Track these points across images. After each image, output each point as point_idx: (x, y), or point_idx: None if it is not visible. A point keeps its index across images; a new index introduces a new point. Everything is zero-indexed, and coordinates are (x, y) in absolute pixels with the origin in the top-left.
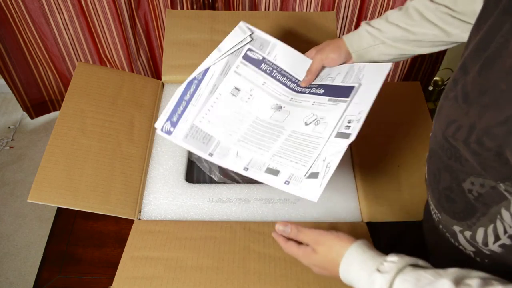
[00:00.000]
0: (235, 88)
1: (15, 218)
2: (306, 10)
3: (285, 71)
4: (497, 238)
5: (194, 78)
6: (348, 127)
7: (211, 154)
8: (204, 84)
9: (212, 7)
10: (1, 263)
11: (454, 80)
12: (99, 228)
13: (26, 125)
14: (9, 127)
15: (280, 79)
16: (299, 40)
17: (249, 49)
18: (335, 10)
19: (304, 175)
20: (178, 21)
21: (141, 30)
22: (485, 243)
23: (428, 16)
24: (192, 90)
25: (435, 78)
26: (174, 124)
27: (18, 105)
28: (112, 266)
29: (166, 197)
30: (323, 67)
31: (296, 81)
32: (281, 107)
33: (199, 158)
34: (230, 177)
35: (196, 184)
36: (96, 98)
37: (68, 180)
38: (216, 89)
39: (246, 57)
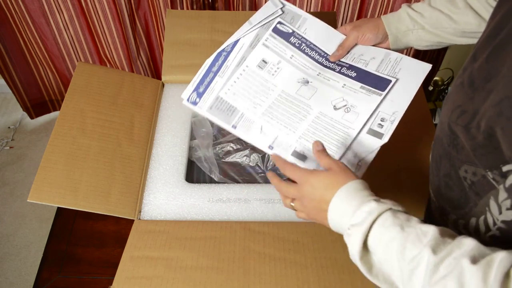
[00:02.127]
0: (263, 60)
1: (15, 218)
2: (306, 10)
3: (314, 45)
4: (487, 229)
5: (223, 50)
6: (381, 125)
7: (234, 127)
8: (232, 56)
9: (212, 7)
10: (1, 263)
11: (463, 68)
12: (99, 228)
13: (26, 125)
14: (9, 127)
15: (308, 52)
16: None
17: (279, 22)
18: (335, 10)
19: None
20: (178, 21)
21: (141, 30)
22: (477, 233)
23: (473, 5)
24: (220, 61)
25: (435, 78)
26: (200, 95)
27: (18, 105)
28: (112, 266)
29: (166, 197)
30: (356, 45)
31: (326, 55)
32: (308, 82)
33: (199, 158)
34: (230, 177)
35: (196, 184)
36: (96, 98)
37: (68, 180)
38: (244, 61)
39: (275, 30)
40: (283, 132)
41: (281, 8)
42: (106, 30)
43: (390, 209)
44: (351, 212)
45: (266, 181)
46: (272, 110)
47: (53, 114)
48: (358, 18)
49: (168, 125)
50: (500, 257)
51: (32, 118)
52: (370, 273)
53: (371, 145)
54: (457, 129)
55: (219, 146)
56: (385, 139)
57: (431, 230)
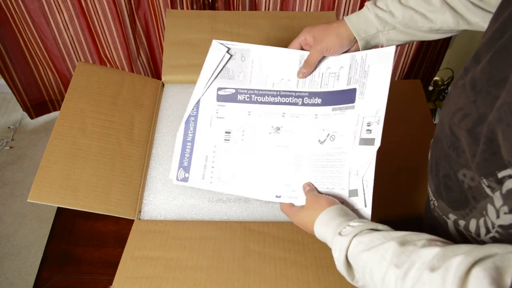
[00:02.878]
0: (226, 132)
1: (15, 218)
2: (306, 10)
3: (262, 90)
4: (488, 230)
5: (190, 116)
6: (369, 131)
7: (236, 189)
8: (201, 118)
9: (212, 7)
10: (1, 263)
11: (465, 69)
12: (99, 228)
13: (26, 125)
14: (9, 127)
15: (261, 100)
16: None
17: (219, 88)
18: (335, 10)
19: (348, 197)
20: (178, 21)
21: (141, 30)
22: (478, 234)
23: (450, 2)
24: (191, 128)
25: (435, 78)
26: (187, 169)
27: (18, 105)
28: (112, 266)
29: (166, 197)
30: (323, 58)
31: (287, 81)
32: (278, 128)
33: None
34: None
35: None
36: (96, 98)
37: (68, 180)
38: (211, 137)
39: (219, 98)
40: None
41: (227, 52)
42: (106, 30)
43: (355, 235)
44: (329, 240)
45: None
46: (265, 174)
47: (53, 114)
48: None
49: (168, 125)
50: (457, 261)
51: (32, 118)
52: (352, 279)
53: (367, 155)
54: (459, 132)
55: None
56: (377, 143)
57: (391, 246)
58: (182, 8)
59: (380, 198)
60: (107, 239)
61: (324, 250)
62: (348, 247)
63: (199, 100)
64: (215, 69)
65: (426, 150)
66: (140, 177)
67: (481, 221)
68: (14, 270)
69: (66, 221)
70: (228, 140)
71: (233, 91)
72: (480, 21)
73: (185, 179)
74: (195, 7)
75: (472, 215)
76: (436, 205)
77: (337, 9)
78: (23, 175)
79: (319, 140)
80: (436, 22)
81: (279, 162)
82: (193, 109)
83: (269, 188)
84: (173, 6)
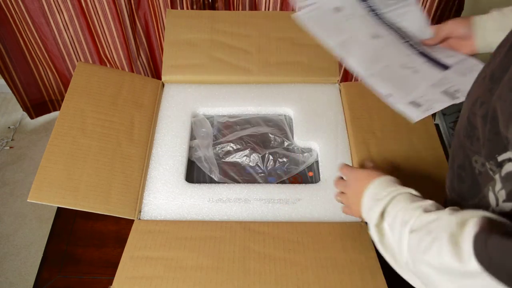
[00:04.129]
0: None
1: (15, 218)
2: None
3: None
4: None
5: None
6: (455, 93)
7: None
8: None
9: (212, 7)
10: (1, 263)
11: (487, 64)
12: (99, 228)
13: (26, 125)
14: (9, 127)
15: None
16: (299, 40)
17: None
18: None
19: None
20: (178, 21)
21: (141, 30)
22: None
23: None
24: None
25: None
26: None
27: (18, 105)
28: (112, 266)
29: (166, 197)
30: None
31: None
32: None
33: (199, 158)
34: (230, 177)
35: (196, 184)
36: (96, 98)
37: (68, 180)
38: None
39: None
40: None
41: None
42: (106, 30)
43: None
44: (381, 196)
45: (266, 181)
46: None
47: (53, 114)
48: None
49: (168, 125)
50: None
51: (32, 118)
52: (381, 242)
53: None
54: (475, 120)
55: (219, 146)
56: (459, 99)
57: (431, 202)
58: (182, 8)
59: None
60: (107, 239)
61: (324, 250)
62: (398, 194)
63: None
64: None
65: (426, 152)
66: (140, 177)
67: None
68: (14, 270)
69: (66, 221)
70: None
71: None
72: None
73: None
74: (195, 7)
75: (481, 206)
76: (449, 199)
77: None
78: (23, 175)
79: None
80: None
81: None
82: None
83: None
84: (173, 6)
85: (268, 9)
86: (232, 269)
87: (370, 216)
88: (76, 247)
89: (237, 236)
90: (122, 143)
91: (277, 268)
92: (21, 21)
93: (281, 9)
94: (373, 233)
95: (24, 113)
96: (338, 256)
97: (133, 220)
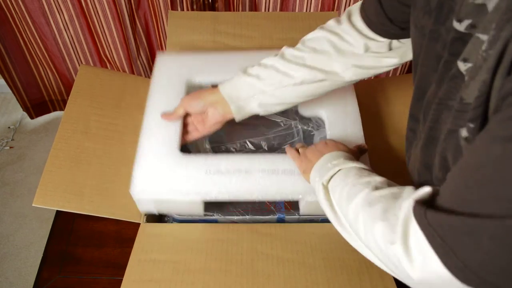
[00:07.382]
0: None
1: (15, 218)
2: (306, 10)
3: None
4: None
5: None
6: None
7: None
8: None
9: (212, 7)
10: (1, 263)
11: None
12: (99, 228)
13: (26, 125)
14: (9, 127)
15: None
16: (298, 41)
17: None
18: (335, 10)
19: None
20: (180, 23)
21: (141, 30)
22: None
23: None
24: None
25: None
26: None
27: (18, 105)
28: (112, 266)
29: (158, 170)
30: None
31: None
32: None
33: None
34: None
35: (192, 154)
36: (99, 101)
37: (73, 184)
38: None
39: None
40: None
41: None
42: (106, 30)
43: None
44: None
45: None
46: None
47: (53, 114)
48: None
49: (161, 94)
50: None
51: (32, 118)
52: (332, 210)
53: None
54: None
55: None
56: None
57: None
58: (182, 8)
59: None
60: (107, 239)
61: (333, 251)
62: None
63: None
64: None
65: None
66: None
67: None
68: (14, 270)
69: (66, 221)
70: None
71: None
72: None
73: None
74: (195, 7)
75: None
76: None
77: (337, 9)
78: (23, 175)
79: None
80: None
81: None
82: None
83: None
84: (173, 6)
85: (268, 10)
86: (240, 271)
87: (316, 187)
88: (76, 247)
89: (244, 238)
90: (126, 146)
91: (286, 270)
92: (21, 21)
93: (281, 9)
94: (321, 200)
95: (24, 113)
96: (347, 257)
97: (138, 223)
